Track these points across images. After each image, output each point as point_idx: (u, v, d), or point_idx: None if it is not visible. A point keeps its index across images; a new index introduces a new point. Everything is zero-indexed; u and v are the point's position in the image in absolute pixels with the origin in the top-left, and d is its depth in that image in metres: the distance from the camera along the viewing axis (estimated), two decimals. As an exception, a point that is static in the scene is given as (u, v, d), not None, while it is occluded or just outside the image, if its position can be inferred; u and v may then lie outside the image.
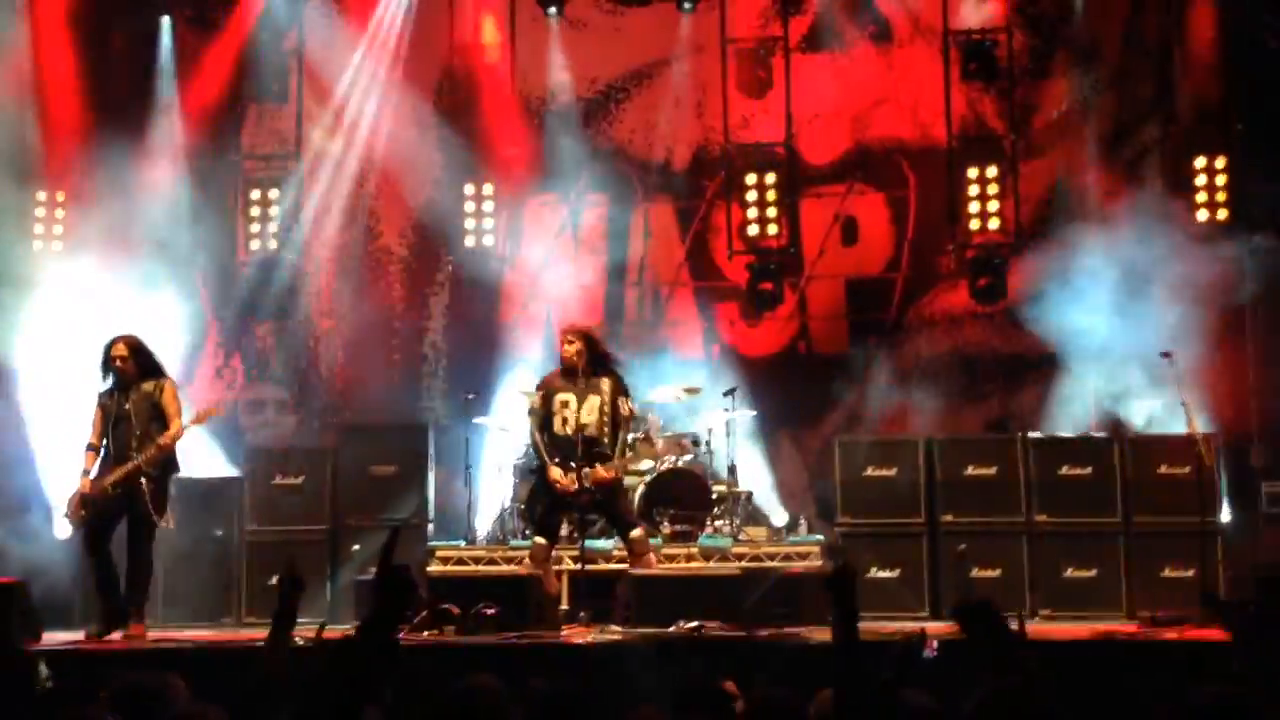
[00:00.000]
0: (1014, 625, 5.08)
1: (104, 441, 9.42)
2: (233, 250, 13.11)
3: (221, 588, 10.94)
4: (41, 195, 12.60)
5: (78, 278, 12.21)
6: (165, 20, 12.97)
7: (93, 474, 9.36)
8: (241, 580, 11.00)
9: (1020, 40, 12.99)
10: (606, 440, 9.43)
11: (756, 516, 12.10)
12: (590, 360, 9.46)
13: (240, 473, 11.54)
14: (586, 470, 9.28)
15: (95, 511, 9.32)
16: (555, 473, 9.36)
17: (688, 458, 11.57)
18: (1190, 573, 10.33)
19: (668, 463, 11.44)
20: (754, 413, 12.16)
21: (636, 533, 9.54)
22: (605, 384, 9.49)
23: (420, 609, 8.85)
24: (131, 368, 9.42)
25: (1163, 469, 10.73)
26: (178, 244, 12.84)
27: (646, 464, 11.46)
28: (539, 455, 9.57)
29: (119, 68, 13.06)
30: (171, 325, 12.98)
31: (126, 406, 9.38)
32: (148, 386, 9.43)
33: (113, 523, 9.38)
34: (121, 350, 9.42)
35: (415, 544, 10.89)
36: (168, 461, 9.46)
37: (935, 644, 4.63)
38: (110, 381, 9.48)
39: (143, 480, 9.26)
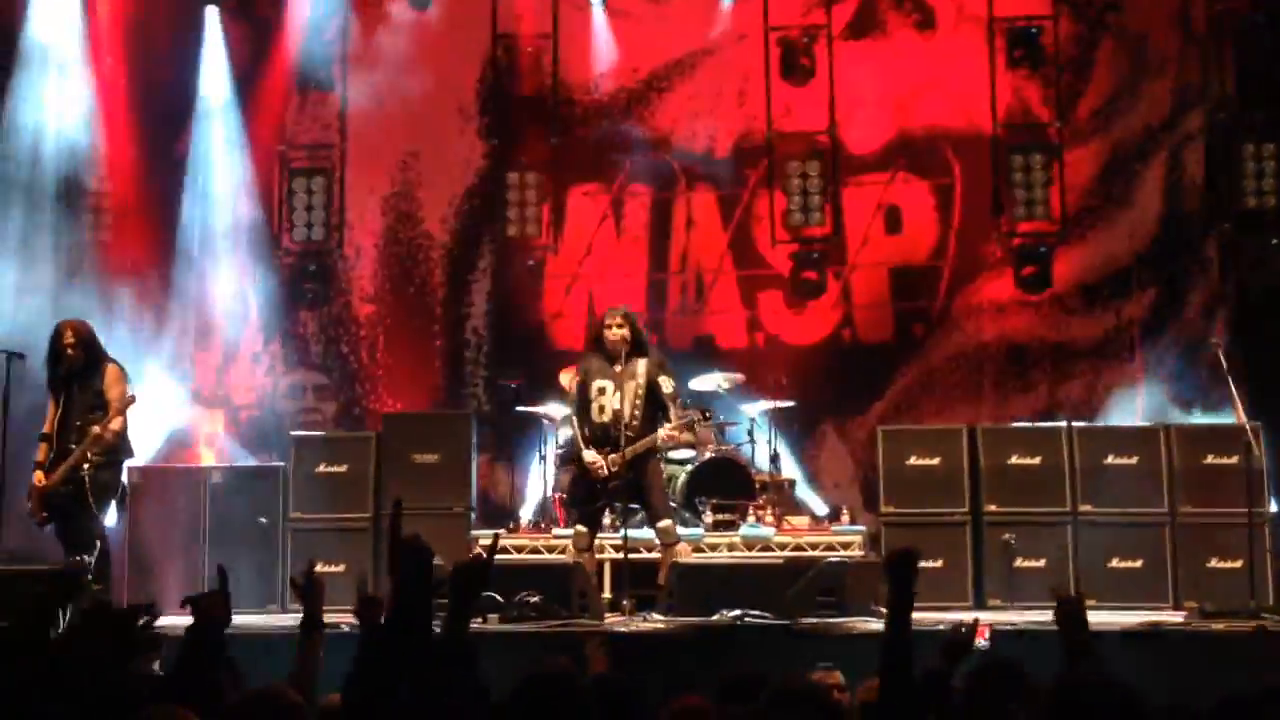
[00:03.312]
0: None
1: (54, 431, 9.34)
2: (275, 236, 13.15)
3: (265, 575, 10.98)
4: (91, 184, 12.66)
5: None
6: (211, 10, 13.01)
7: (46, 466, 9.30)
8: (285, 567, 11.03)
9: (1066, 26, 12.88)
10: (639, 424, 9.39)
11: (799, 506, 12.07)
12: (632, 344, 9.43)
13: (283, 460, 11.58)
14: (614, 456, 9.27)
15: (50, 512, 9.32)
16: (589, 455, 9.35)
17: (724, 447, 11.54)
18: (1238, 564, 10.22)
19: (710, 452, 11.41)
20: (797, 402, 12.12)
21: (664, 524, 9.49)
22: (641, 367, 9.41)
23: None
24: (80, 355, 9.32)
25: (1210, 459, 10.62)
26: (220, 231, 12.94)
27: (686, 454, 11.43)
28: (576, 441, 9.57)
29: (164, 58, 13.11)
30: (214, 310, 13.12)
31: (73, 396, 9.31)
32: (92, 374, 9.33)
33: (71, 515, 9.31)
34: (70, 338, 9.33)
35: (458, 532, 10.92)
36: (114, 449, 9.38)
37: (987, 633, 4.62)
38: (58, 369, 9.37)
39: (85, 467, 9.19)
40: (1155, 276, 12.72)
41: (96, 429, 9.17)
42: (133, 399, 9.39)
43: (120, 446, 9.45)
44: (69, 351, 9.32)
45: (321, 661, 4.87)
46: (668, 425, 9.45)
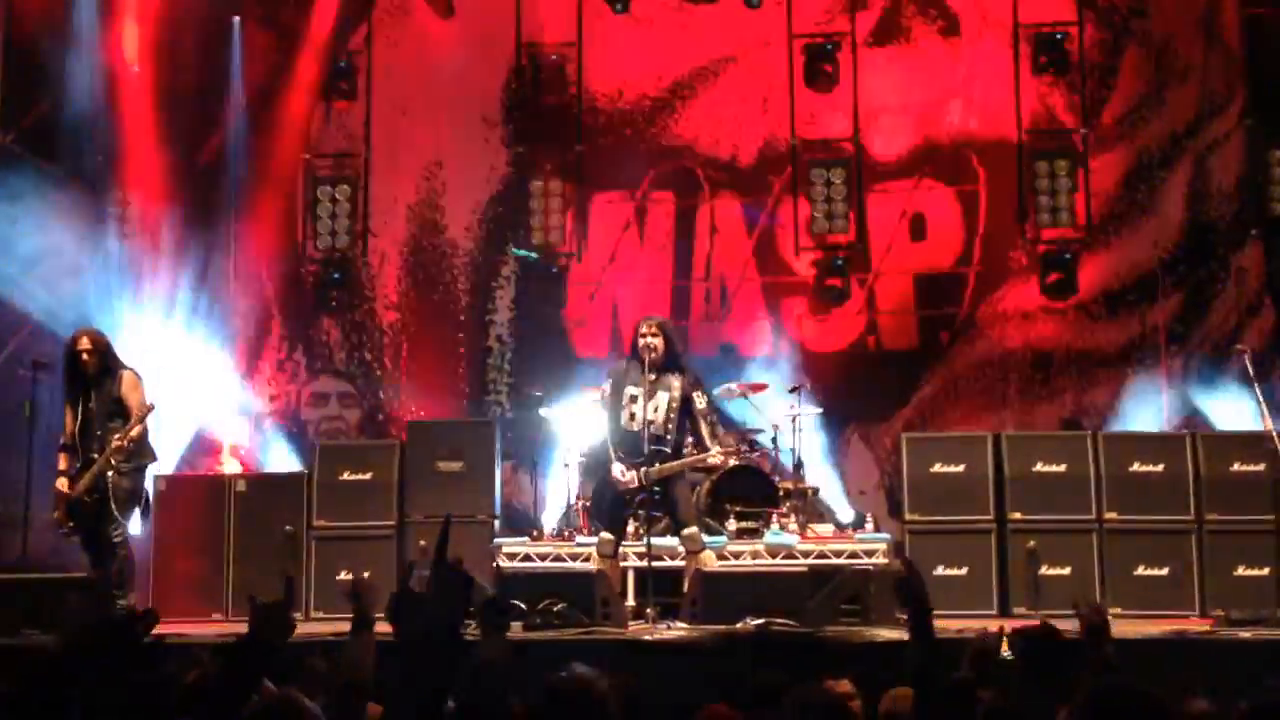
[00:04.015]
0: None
1: (75, 440, 9.33)
2: (299, 245, 13.20)
3: (289, 582, 10.96)
4: (114, 194, 12.70)
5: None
6: (236, 20, 13.06)
7: (71, 475, 9.29)
8: (310, 575, 11.03)
9: (1091, 33, 12.85)
10: (671, 438, 9.37)
11: (823, 513, 12.03)
12: (665, 354, 9.39)
13: (307, 467, 11.59)
14: (646, 469, 9.25)
15: (76, 521, 9.29)
16: (617, 470, 9.33)
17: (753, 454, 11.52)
18: (1265, 571, 10.14)
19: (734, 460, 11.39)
20: (822, 409, 12.09)
21: (689, 530, 9.44)
22: (676, 381, 9.36)
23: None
24: (95, 362, 9.30)
25: (1236, 466, 10.53)
26: (243, 239, 12.99)
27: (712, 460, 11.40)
28: (606, 448, 9.54)
29: (190, 66, 13.15)
30: (237, 318, 13.16)
31: (91, 404, 9.28)
32: (108, 381, 9.31)
33: (96, 523, 9.29)
34: (86, 344, 9.31)
35: (482, 540, 10.91)
36: (137, 454, 9.36)
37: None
38: (75, 377, 9.35)
39: (110, 474, 9.19)
40: (1180, 282, 12.68)
41: (118, 438, 9.15)
42: (151, 406, 9.38)
43: (142, 452, 9.46)
44: (84, 358, 9.31)
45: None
46: (716, 449, 9.49)
